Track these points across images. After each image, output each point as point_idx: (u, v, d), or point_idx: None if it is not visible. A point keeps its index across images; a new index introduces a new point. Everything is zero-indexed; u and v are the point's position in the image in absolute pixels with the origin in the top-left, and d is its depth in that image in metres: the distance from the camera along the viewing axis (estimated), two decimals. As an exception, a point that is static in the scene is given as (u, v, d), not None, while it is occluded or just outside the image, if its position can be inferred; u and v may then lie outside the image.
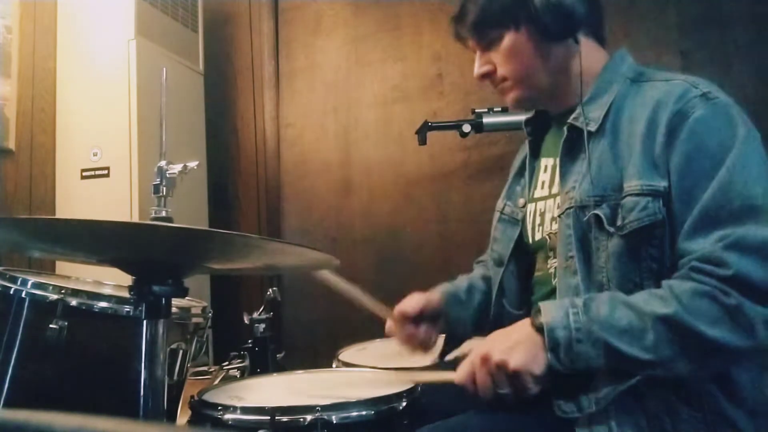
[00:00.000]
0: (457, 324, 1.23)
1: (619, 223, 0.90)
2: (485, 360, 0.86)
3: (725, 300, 0.79)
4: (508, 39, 1.01)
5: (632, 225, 0.88)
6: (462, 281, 1.29)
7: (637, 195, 0.89)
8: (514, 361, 0.84)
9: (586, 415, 0.88)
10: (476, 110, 2.04)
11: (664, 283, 0.85)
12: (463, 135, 2.04)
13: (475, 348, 0.90)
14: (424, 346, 1.21)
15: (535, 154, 1.15)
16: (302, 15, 2.82)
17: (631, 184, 0.90)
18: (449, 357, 1.26)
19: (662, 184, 0.88)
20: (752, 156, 0.86)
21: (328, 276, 1.21)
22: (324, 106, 2.75)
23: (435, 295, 1.22)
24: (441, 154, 2.48)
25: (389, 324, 1.22)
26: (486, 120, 2.02)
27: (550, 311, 0.86)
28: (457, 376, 0.90)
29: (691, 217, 0.85)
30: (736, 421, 0.86)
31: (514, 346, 0.86)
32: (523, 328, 0.88)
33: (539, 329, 0.86)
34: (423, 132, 2.09)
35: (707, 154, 0.86)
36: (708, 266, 0.82)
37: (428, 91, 2.54)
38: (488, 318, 1.18)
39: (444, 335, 1.27)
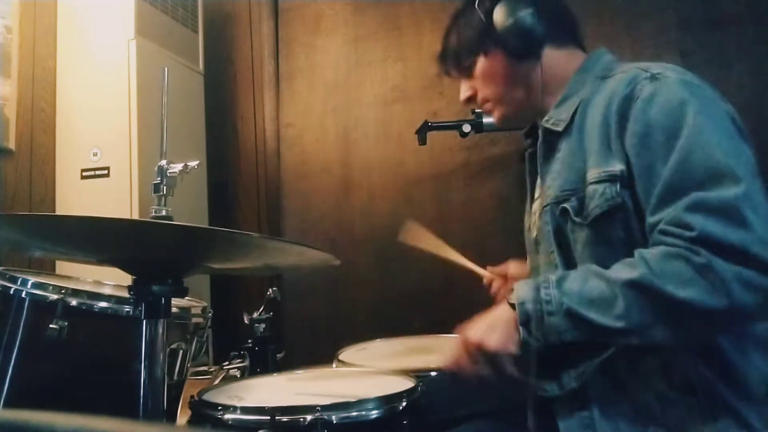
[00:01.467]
0: None
1: (584, 213, 0.92)
2: (465, 343, 0.90)
3: (695, 259, 0.78)
4: (480, 64, 1.10)
5: (594, 212, 0.91)
6: None
7: (597, 183, 0.91)
8: (492, 342, 0.88)
9: (567, 404, 0.89)
10: (476, 110, 2.04)
11: (636, 251, 0.85)
12: (463, 135, 2.04)
13: (458, 334, 0.94)
14: None
15: (534, 163, 1.17)
16: (302, 15, 2.82)
17: (592, 174, 0.92)
18: None
19: (618, 167, 0.89)
20: (709, 122, 0.86)
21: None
22: (324, 106, 2.75)
23: None
24: (441, 154, 2.48)
25: (492, 283, 1.34)
26: (486, 120, 2.01)
27: (522, 288, 0.89)
28: (442, 361, 0.95)
29: (656, 193, 0.85)
30: (739, 410, 0.83)
31: (491, 327, 0.89)
32: (499, 309, 0.92)
33: (513, 306, 0.89)
34: (423, 132, 2.09)
35: (660, 130, 0.87)
36: (675, 228, 0.81)
37: (428, 91, 2.54)
38: None
39: None
